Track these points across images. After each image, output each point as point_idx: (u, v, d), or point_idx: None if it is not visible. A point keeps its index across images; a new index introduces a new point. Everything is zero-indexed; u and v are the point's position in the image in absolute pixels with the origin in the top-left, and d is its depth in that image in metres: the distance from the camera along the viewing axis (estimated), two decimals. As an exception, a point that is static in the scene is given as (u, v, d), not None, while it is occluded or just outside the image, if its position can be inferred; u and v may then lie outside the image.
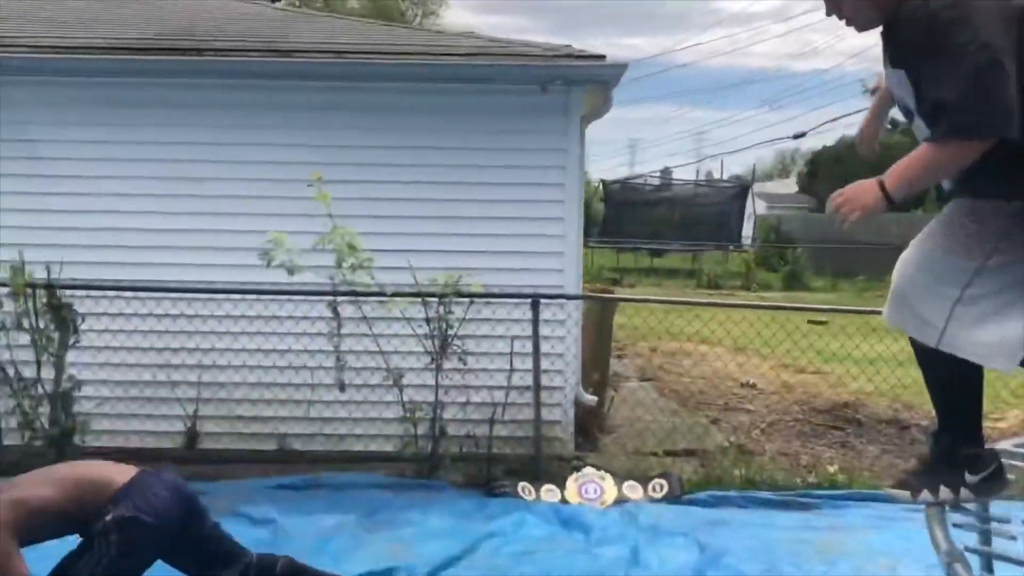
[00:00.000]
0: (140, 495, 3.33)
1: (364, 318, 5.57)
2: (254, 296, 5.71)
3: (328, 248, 5.13)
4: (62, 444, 5.46)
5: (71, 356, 5.51)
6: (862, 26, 2.52)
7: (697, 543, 4.58)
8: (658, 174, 31.06)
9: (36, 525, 3.22)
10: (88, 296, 5.60)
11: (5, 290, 5.38)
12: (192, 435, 6.03)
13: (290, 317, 5.86)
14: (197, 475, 5.70)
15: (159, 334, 5.92)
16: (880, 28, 2.49)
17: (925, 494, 2.65)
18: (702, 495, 5.31)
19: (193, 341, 5.92)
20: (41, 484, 3.32)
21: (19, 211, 5.82)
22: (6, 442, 5.59)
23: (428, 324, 5.44)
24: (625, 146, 60.60)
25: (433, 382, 5.52)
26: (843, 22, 2.51)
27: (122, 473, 3.42)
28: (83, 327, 5.51)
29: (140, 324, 5.88)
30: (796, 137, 24.13)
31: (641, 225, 24.71)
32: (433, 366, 5.50)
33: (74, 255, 5.51)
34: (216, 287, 5.69)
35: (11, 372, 5.45)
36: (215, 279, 5.75)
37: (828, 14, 2.55)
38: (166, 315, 5.87)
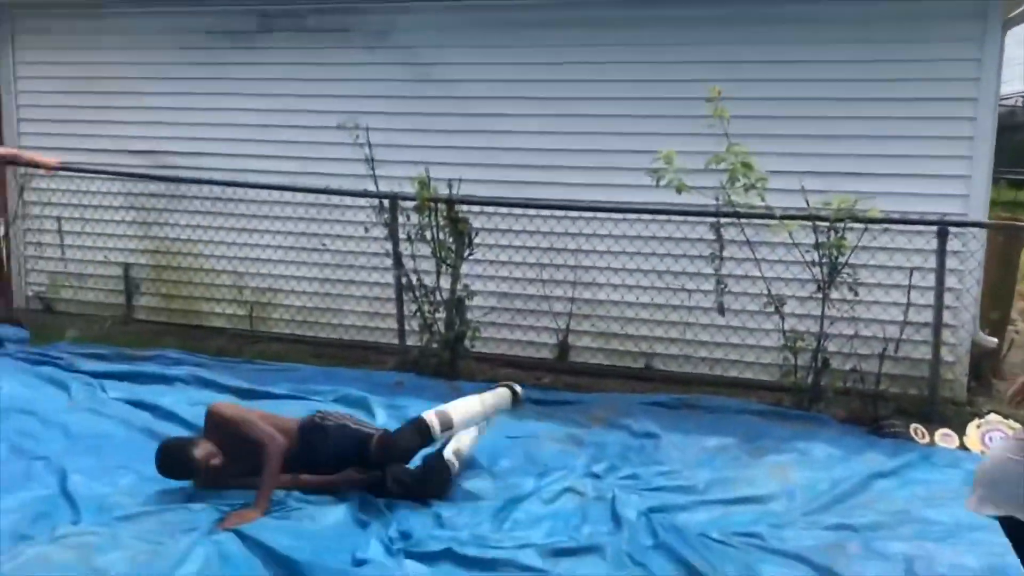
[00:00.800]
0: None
1: (747, 241, 5.41)
2: (635, 215, 5.75)
3: (720, 168, 4.99)
4: (455, 347, 5.93)
5: (464, 267, 5.92)
6: None
7: None
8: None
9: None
10: (482, 212, 5.95)
11: (411, 204, 5.86)
12: (564, 347, 6.31)
13: (669, 238, 5.84)
14: (567, 386, 5.97)
15: (543, 251, 6.16)
16: None
17: None
18: None
19: (575, 259, 6.10)
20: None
21: (424, 131, 6.30)
22: (408, 342, 6.16)
23: (817, 250, 5.16)
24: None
25: (818, 312, 5.26)
26: None
27: None
28: (476, 240, 5.89)
29: (527, 240, 6.17)
30: None
31: (1003, 152, 21.85)
32: (819, 295, 5.23)
33: (471, 173, 5.84)
34: (598, 205, 5.80)
35: (414, 279, 5.98)
36: (599, 198, 5.86)
37: None
38: (551, 232, 6.10)
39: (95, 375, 5.63)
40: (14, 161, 6.93)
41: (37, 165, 6.81)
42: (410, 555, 3.50)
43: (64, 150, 6.95)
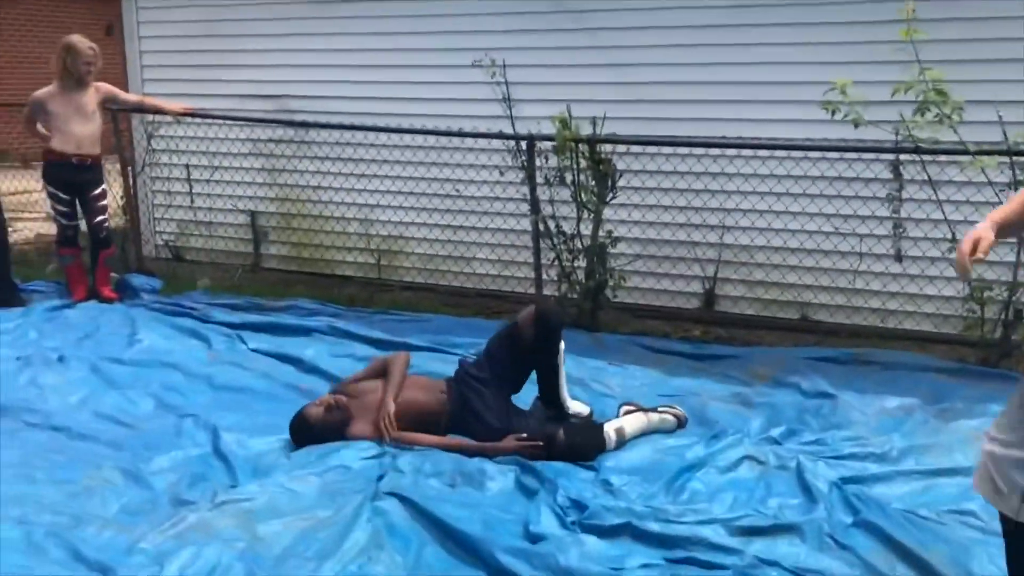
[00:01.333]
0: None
1: (929, 180, 4.87)
2: (801, 153, 5.25)
3: (908, 98, 4.45)
4: (596, 297, 5.60)
5: (606, 212, 5.55)
6: None
7: None
8: None
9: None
10: (628, 152, 5.55)
11: (550, 145, 5.49)
12: (710, 296, 5.91)
13: (840, 177, 5.32)
14: (716, 338, 5.59)
15: (696, 192, 5.73)
16: None
17: None
18: None
19: (732, 200, 5.65)
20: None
21: (563, 67, 5.91)
22: (545, 292, 5.86)
23: (1013, 188, 4.59)
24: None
25: (1011, 258, 4.72)
26: None
27: None
28: (619, 183, 5.50)
29: (678, 182, 5.74)
30: None
31: None
32: (1012, 240, 4.68)
33: (613, 110, 5.41)
34: (757, 143, 5.31)
35: (552, 226, 5.64)
36: (751, 135, 5.38)
37: None
38: (705, 172, 5.65)
39: (232, 326, 5.53)
40: (140, 108, 6.85)
41: (163, 111, 6.72)
42: (587, 529, 3.22)
43: (187, 96, 6.83)
